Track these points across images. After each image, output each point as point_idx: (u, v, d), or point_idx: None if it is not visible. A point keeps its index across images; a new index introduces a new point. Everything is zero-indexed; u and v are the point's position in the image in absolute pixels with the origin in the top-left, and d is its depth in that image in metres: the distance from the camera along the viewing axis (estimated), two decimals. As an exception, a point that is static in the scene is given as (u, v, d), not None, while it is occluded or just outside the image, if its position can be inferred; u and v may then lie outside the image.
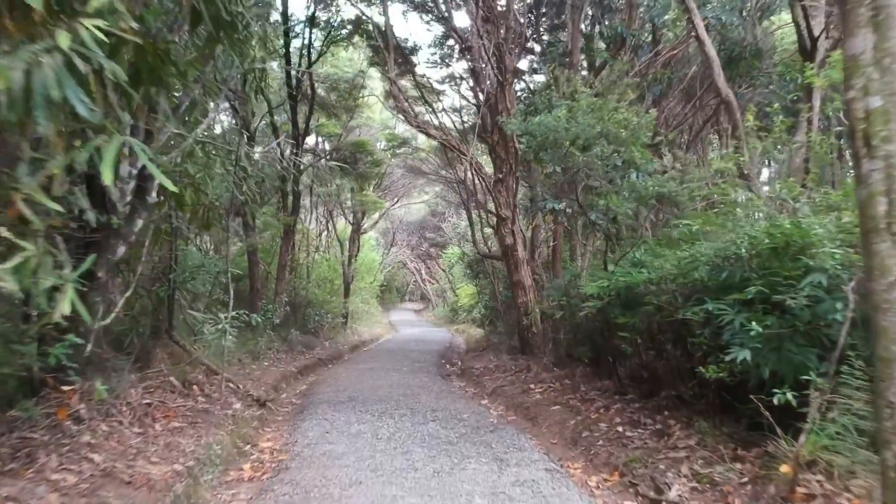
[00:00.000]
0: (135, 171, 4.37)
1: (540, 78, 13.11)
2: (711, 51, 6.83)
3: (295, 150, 11.07)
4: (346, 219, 18.37)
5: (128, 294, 5.06)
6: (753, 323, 3.86)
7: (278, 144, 8.74)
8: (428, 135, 8.73)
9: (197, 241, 11.82)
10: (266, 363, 10.06)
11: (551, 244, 9.00)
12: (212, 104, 4.89)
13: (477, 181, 13.98)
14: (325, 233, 18.74)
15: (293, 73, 12.03)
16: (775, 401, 3.70)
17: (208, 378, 6.23)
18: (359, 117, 15.05)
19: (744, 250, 4.27)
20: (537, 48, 12.90)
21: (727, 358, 3.97)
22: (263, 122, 12.70)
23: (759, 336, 3.89)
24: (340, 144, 13.48)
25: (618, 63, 7.31)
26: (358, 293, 20.49)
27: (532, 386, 7.43)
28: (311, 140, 15.60)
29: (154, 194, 4.63)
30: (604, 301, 6.01)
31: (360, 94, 13.03)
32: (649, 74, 8.74)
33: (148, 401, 4.69)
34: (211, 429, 4.63)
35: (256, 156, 9.53)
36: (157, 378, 5.44)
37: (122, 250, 4.41)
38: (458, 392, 7.80)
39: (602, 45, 9.17)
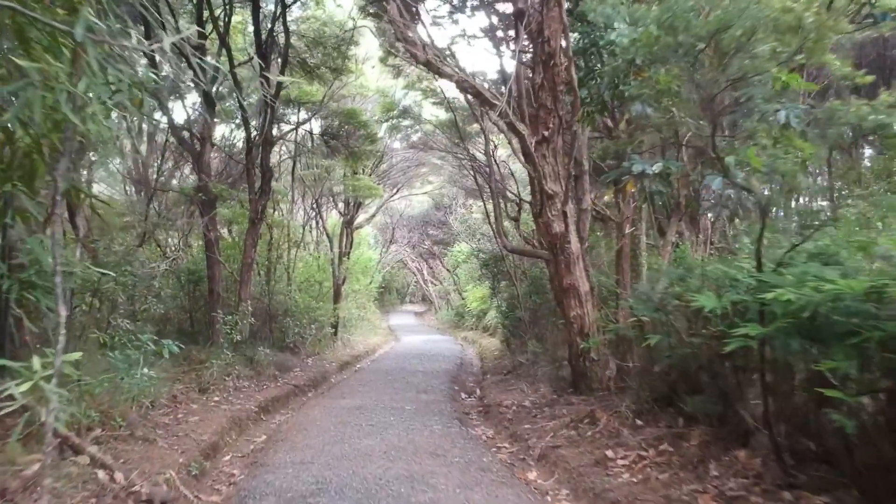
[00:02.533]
0: None
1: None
2: None
3: (269, 99, 8.34)
4: (337, 210, 15.63)
5: None
6: None
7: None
8: (442, 74, 6.01)
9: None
10: (216, 398, 7.34)
11: (627, 231, 6.25)
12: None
13: (496, 158, 11.27)
14: (314, 226, 16.01)
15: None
16: None
17: (64, 457, 3.52)
18: (350, 85, 12.32)
19: None
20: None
21: None
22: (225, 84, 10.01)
23: None
24: (323, 110, 10.74)
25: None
26: (352, 297, 17.78)
27: (610, 453, 4.70)
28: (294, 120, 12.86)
29: None
30: (773, 326, 3.32)
31: (349, 48, 10.29)
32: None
33: None
34: None
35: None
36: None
37: None
38: (489, 459, 5.06)
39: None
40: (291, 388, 8.78)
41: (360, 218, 18.67)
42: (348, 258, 15.79)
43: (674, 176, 5.44)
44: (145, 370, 5.42)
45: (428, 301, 35.08)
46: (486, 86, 10.45)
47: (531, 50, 6.36)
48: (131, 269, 7.02)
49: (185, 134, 10.18)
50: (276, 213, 13.08)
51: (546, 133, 6.09)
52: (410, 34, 5.88)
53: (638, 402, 5.37)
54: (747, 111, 4.12)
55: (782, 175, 3.54)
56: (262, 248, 12.39)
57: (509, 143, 9.44)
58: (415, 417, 6.52)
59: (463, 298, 23.51)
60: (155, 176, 13.09)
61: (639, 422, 5.14)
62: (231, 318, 8.53)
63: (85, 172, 14.92)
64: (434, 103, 12.51)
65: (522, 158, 8.89)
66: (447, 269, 27.21)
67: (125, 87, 2.93)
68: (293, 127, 10.50)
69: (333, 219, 17.21)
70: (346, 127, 11.31)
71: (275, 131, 13.05)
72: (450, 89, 12.78)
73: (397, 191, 18.86)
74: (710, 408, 4.46)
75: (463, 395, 8.73)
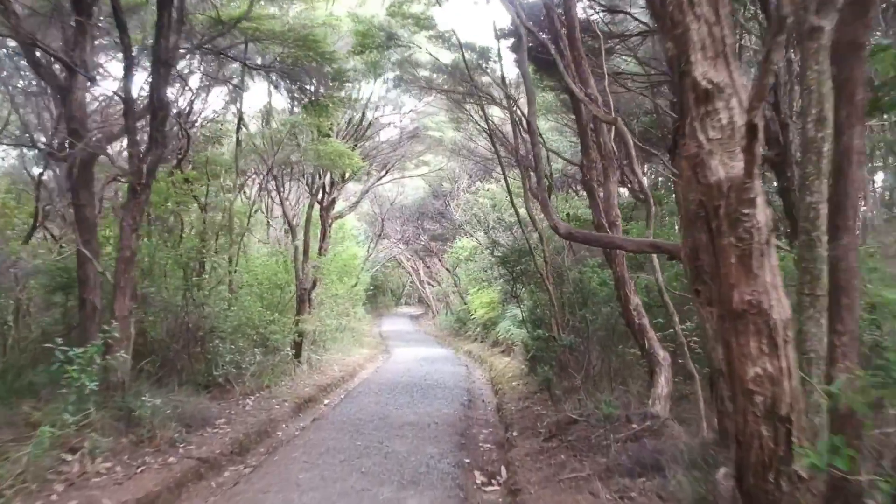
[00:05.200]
0: None
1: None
2: None
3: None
4: (309, 191, 12.02)
5: None
6: None
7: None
8: None
9: None
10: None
11: None
12: None
13: (518, 116, 7.74)
14: (277, 211, 12.47)
15: None
16: None
17: None
18: (318, 17, 8.73)
19: None
20: None
21: None
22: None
23: None
24: (249, 29, 7.10)
25: None
26: (330, 303, 14.21)
27: None
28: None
29: None
30: None
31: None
32: None
33: None
34: None
35: None
36: None
37: None
38: None
39: None
40: (192, 467, 5.22)
41: (341, 205, 15.12)
42: (321, 254, 12.22)
43: None
44: None
45: (425, 303, 31.55)
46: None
47: None
48: None
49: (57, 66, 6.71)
50: (221, 192, 9.54)
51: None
52: None
53: None
54: None
55: None
56: (191, 239, 8.87)
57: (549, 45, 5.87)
58: None
59: (465, 303, 19.96)
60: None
61: None
62: (83, 353, 4.93)
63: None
64: (431, 37, 8.93)
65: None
66: (447, 269, 23.67)
67: None
68: (201, 43, 6.82)
69: (298, 201, 13.62)
70: (304, 63, 7.73)
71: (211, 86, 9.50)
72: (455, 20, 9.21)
73: (387, 172, 15.27)
74: None
75: (479, 480, 5.18)
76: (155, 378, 7.06)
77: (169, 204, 8.34)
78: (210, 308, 7.94)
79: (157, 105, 5.71)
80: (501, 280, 11.73)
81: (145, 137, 6.50)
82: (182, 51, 6.09)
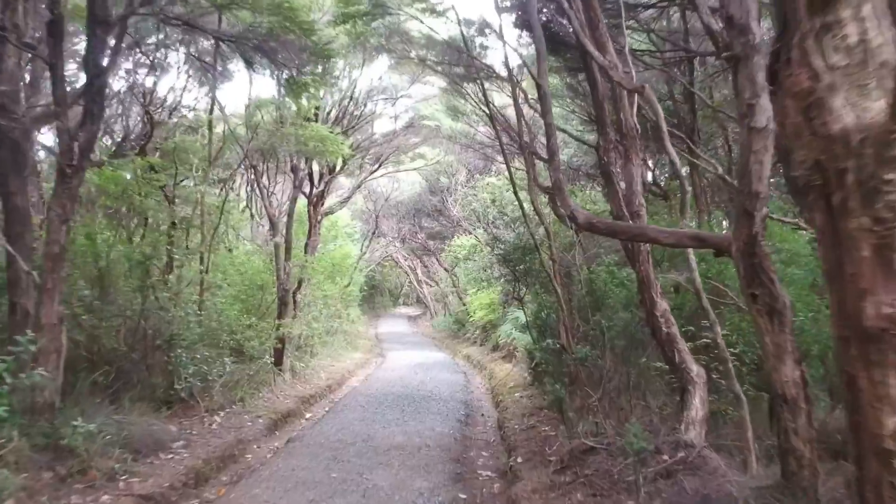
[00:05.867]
0: None
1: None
2: None
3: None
4: (293, 179, 11.05)
5: None
6: None
7: None
8: None
9: None
10: None
11: None
12: None
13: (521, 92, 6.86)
14: (262, 204, 11.56)
15: None
16: None
17: None
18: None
19: None
20: None
21: None
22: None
23: None
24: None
25: None
26: (320, 305, 13.31)
27: None
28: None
29: None
30: None
31: None
32: None
33: None
34: None
35: None
36: None
37: None
38: None
39: None
40: (130, 508, 4.30)
41: (332, 200, 14.21)
42: (307, 252, 11.30)
43: None
44: None
45: (423, 304, 30.64)
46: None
47: None
48: None
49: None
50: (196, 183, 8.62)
51: None
52: None
53: None
54: None
55: None
56: (152, 234, 7.96)
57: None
58: None
59: (464, 304, 19.05)
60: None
61: None
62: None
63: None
64: (424, 10, 8.02)
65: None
66: (445, 269, 22.76)
67: None
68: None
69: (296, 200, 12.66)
70: (279, 36, 6.82)
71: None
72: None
73: (380, 165, 14.35)
74: None
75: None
76: (109, 393, 6.16)
77: (137, 195, 7.39)
78: (174, 312, 7.02)
79: (94, 72, 4.79)
80: (503, 280, 10.83)
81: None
82: (128, 13, 5.15)
